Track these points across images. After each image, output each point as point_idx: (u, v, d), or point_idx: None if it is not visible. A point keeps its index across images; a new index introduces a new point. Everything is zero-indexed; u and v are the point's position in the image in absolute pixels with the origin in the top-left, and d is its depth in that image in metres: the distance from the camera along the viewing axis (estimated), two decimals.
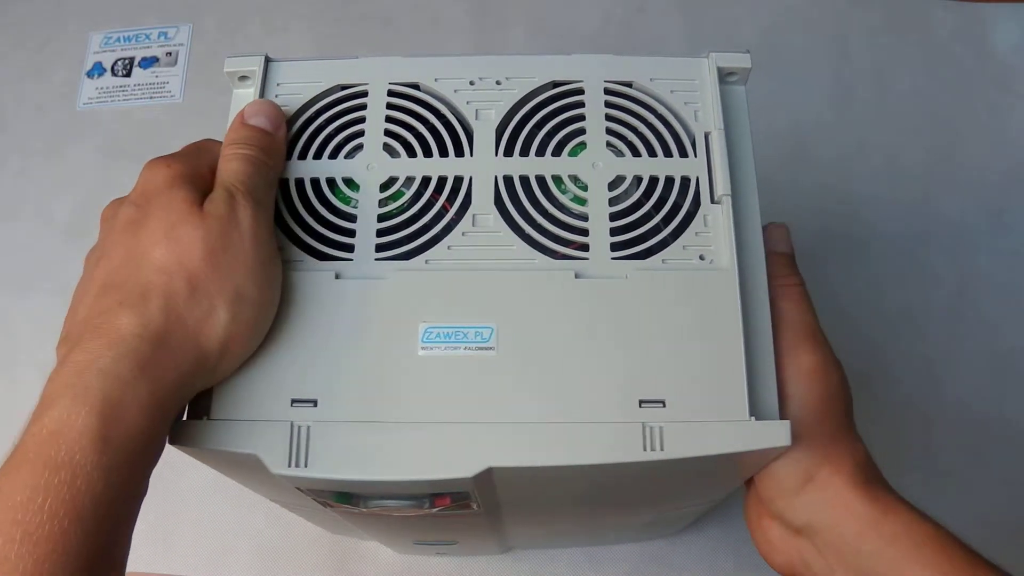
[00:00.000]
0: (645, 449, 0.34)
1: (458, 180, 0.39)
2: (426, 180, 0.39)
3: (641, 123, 0.40)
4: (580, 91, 0.41)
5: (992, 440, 0.69)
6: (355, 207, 0.39)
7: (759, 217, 0.39)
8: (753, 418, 0.35)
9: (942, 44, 0.84)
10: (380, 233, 0.38)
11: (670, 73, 0.41)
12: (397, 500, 0.38)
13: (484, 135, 0.40)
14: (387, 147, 0.40)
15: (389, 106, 0.41)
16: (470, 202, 0.39)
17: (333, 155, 0.40)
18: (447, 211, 0.39)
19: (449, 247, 0.38)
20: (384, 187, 0.39)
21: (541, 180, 0.39)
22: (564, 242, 0.38)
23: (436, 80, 0.41)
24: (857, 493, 0.37)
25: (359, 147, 0.40)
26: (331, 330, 0.37)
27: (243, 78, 0.42)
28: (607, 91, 0.41)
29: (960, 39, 0.84)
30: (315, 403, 0.35)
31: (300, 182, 0.40)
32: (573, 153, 0.40)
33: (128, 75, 0.88)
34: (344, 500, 0.38)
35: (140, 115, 0.86)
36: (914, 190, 0.78)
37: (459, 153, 0.40)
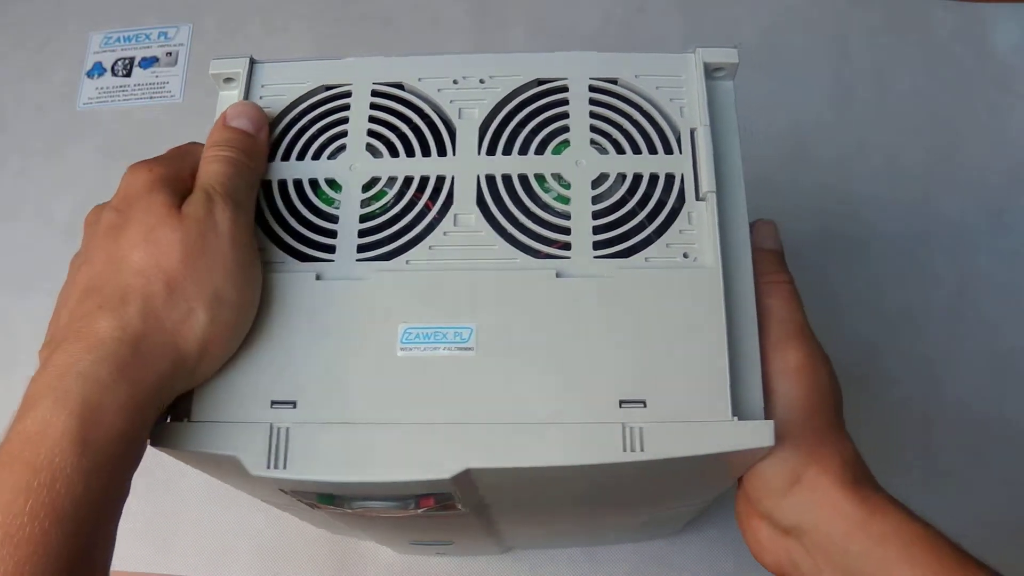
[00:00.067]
0: (625, 450, 0.34)
1: (440, 179, 0.39)
2: (408, 180, 0.39)
3: (625, 120, 0.40)
4: (564, 88, 0.40)
5: (992, 440, 0.69)
6: (337, 208, 0.39)
7: (746, 214, 0.39)
8: (736, 418, 0.35)
9: (942, 44, 0.84)
10: (362, 234, 0.38)
11: (656, 69, 0.41)
12: (381, 501, 0.38)
13: (467, 134, 0.40)
14: (370, 147, 0.40)
15: (372, 106, 0.41)
16: (452, 201, 0.38)
17: (316, 156, 0.40)
18: (429, 210, 0.39)
19: (431, 247, 0.38)
20: (367, 187, 0.39)
21: (524, 179, 0.39)
22: (547, 241, 0.38)
23: (420, 79, 0.41)
24: (845, 493, 0.37)
25: (342, 148, 0.40)
26: (311, 331, 0.36)
27: (228, 80, 0.41)
28: (592, 88, 0.40)
29: (960, 39, 0.84)
30: (294, 404, 0.35)
31: (283, 183, 0.39)
32: (557, 151, 0.39)
33: (128, 75, 0.88)
34: (327, 501, 0.38)
35: (140, 115, 0.87)
36: (914, 190, 0.78)
37: (442, 152, 0.40)
